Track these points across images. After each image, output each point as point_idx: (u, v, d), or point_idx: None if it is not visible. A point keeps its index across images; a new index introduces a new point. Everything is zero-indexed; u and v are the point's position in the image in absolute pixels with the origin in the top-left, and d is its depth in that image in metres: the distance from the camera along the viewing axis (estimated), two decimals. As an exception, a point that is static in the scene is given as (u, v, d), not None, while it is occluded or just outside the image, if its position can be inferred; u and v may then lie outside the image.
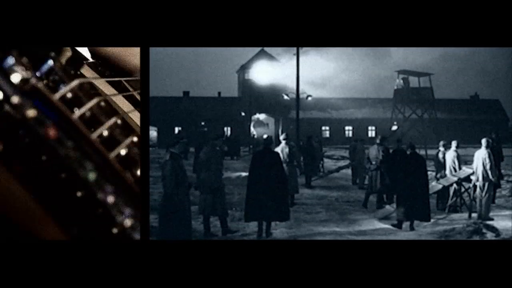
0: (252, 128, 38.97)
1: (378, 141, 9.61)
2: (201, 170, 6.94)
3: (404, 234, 7.21)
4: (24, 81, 3.34)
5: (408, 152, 7.71)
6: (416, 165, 7.60)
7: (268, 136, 7.70)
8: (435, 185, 8.96)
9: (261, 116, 40.48)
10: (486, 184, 8.12)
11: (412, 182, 7.49)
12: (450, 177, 8.98)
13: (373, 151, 9.47)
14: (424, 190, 7.61)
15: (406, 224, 7.51)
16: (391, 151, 9.53)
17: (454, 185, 8.82)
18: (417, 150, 7.85)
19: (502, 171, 10.82)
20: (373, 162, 9.36)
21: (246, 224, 7.27)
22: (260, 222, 6.80)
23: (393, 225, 7.60)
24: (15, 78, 3.32)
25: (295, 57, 18.78)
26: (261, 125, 40.41)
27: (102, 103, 3.75)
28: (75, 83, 3.50)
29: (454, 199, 8.91)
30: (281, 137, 9.54)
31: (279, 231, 7.24)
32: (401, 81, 30.42)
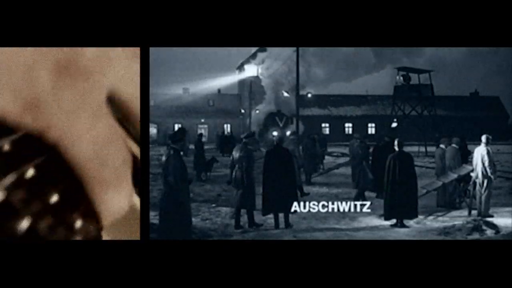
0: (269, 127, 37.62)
1: (357, 137, 10.16)
2: (234, 167, 7.38)
3: (403, 232, 7.24)
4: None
5: (396, 149, 7.69)
6: (403, 163, 7.59)
7: (278, 135, 8.18)
8: (435, 182, 8.98)
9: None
10: (485, 181, 8.12)
11: (399, 180, 7.51)
12: (450, 174, 8.99)
13: (353, 148, 9.81)
14: (412, 188, 7.65)
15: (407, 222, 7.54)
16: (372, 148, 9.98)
17: (454, 182, 8.84)
18: (417, 148, 7.89)
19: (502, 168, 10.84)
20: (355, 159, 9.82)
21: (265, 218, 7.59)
22: (276, 214, 7.34)
23: (392, 224, 7.63)
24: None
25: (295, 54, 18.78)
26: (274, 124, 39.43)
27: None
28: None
29: (454, 196, 8.93)
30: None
31: (279, 228, 7.33)
32: (401, 78, 30.39)
